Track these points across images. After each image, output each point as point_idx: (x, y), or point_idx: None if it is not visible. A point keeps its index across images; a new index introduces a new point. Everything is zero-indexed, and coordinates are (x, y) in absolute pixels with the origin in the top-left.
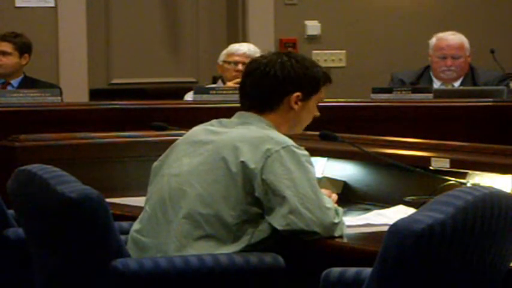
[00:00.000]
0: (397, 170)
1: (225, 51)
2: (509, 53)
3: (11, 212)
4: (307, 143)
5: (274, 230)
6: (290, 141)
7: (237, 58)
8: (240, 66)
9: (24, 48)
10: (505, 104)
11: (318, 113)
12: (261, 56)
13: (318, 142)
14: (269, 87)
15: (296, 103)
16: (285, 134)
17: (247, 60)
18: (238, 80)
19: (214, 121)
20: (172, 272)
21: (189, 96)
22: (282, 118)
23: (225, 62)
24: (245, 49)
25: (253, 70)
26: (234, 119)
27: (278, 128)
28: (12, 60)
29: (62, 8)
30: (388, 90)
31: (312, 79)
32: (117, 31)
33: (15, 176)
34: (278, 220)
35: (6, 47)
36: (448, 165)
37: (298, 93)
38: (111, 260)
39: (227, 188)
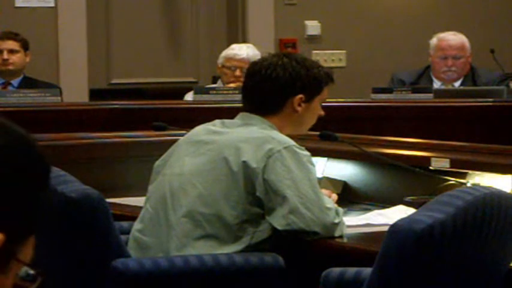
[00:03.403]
0: (397, 170)
1: (224, 54)
2: (509, 53)
3: None
4: (307, 143)
5: (274, 230)
6: (292, 142)
7: (235, 63)
8: (238, 72)
9: (26, 45)
10: (505, 104)
11: (322, 112)
12: (262, 58)
13: (318, 142)
14: (271, 90)
15: (299, 105)
16: (288, 135)
17: (245, 66)
18: (234, 84)
19: (216, 121)
20: (172, 272)
21: (189, 96)
22: (285, 120)
23: (223, 66)
24: (244, 54)
25: (255, 73)
26: (236, 119)
27: (281, 130)
28: (20, 57)
29: (62, 8)
30: (388, 90)
31: (314, 80)
32: (117, 31)
33: None
34: (278, 220)
35: (14, 45)
36: (448, 165)
37: (301, 95)
38: (111, 260)
39: (228, 187)
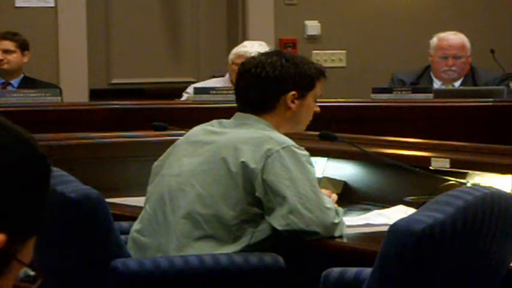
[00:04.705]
0: (397, 170)
1: (235, 50)
2: (509, 53)
3: None
4: (307, 143)
5: (274, 230)
6: (290, 141)
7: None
8: None
9: (24, 45)
10: (505, 104)
11: (318, 109)
12: (252, 57)
13: (318, 142)
14: (262, 88)
15: (293, 102)
16: (286, 133)
17: None
18: None
19: (214, 121)
20: (172, 272)
21: (189, 89)
22: (280, 118)
23: (233, 63)
24: (254, 52)
25: (245, 72)
26: (233, 120)
27: (278, 129)
28: (16, 57)
29: (62, 8)
30: (388, 90)
31: (305, 76)
32: (117, 31)
33: None
34: (278, 220)
35: (9, 45)
36: (448, 165)
37: (293, 92)
38: (111, 260)
39: (227, 188)
